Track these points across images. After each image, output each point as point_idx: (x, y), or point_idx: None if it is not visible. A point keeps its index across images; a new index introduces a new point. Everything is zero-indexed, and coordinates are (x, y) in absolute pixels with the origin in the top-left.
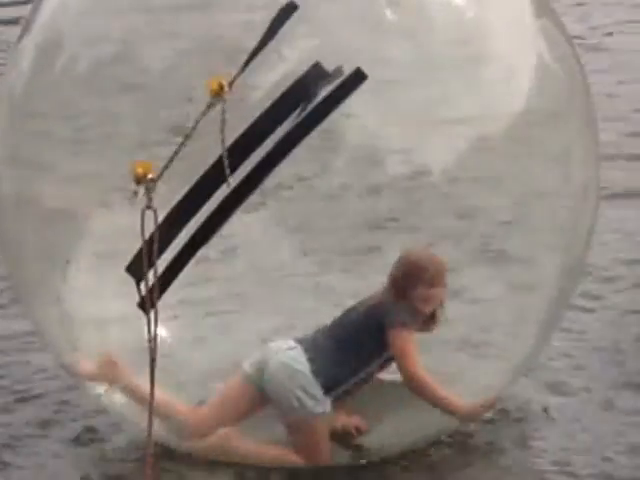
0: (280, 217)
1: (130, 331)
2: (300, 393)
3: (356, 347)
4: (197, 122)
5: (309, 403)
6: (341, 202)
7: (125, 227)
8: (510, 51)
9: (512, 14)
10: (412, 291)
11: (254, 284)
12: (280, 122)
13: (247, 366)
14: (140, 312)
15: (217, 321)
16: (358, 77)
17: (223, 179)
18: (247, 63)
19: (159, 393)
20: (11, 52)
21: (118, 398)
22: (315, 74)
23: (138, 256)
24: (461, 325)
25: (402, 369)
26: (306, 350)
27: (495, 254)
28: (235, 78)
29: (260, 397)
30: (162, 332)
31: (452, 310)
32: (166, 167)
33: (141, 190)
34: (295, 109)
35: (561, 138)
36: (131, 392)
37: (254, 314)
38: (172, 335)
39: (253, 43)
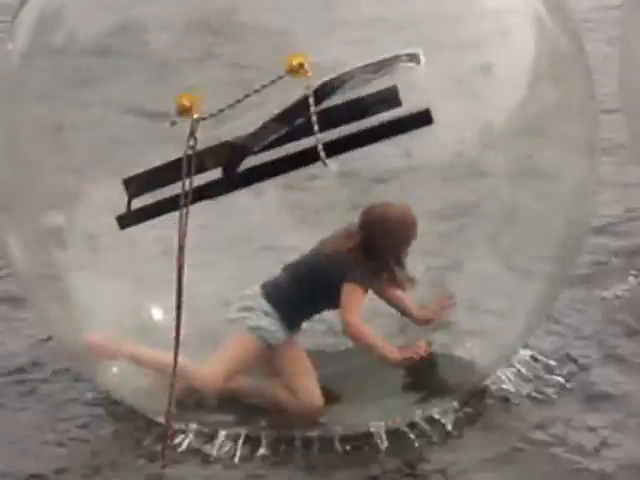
0: None
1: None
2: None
3: (314, 296)
4: (263, 87)
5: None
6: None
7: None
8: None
9: None
10: (392, 253)
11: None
12: (337, 124)
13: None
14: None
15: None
16: (424, 117)
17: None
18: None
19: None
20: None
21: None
22: (386, 95)
23: (141, 175)
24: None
25: (341, 318)
26: (274, 304)
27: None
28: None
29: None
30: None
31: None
32: (214, 115)
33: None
34: (353, 119)
35: (563, 95)
36: (137, 359)
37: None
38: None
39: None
